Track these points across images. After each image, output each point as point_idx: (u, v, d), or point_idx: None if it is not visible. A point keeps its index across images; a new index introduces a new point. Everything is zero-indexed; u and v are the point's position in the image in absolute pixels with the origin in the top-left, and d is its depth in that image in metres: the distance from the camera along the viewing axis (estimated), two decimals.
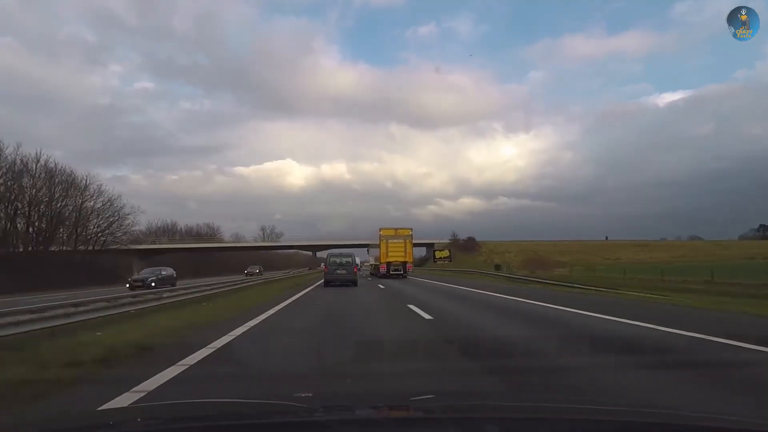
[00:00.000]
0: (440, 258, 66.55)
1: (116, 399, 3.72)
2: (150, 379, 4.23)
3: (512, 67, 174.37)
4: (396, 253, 31.92)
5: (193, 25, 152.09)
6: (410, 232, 33.18)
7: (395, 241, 32.21)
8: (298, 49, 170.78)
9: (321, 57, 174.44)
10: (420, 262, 68.38)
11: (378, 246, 33.62)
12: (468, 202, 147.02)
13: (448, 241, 73.99)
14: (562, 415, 1.65)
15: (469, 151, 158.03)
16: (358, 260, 54.01)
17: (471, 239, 77.20)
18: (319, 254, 73.61)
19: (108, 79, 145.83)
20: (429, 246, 72.82)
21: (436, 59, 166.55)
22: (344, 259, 23.52)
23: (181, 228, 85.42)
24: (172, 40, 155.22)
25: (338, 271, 22.85)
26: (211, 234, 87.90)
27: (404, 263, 31.99)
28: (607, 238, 79.39)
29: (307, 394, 2.16)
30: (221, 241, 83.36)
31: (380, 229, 33.44)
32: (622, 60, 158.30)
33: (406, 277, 31.35)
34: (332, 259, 23.63)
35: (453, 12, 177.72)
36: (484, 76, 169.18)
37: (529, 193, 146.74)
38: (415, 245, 63.49)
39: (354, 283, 22.25)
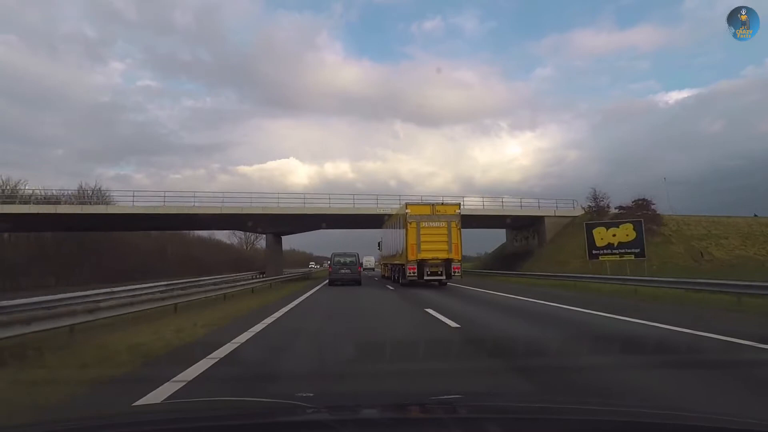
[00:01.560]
0: (609, 247, 22.53)
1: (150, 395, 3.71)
2: None
3: (519, 63, 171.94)
4: (434, 245, 20.27)
5: (194, 20, 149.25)
6: (458, 211, 21.01)
7: (433, 224, 20.48)
8: (301, 44, 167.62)
9: (325, 53, 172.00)
10: (492, 260, 42.18)
11: (401, 229, 21.47)
12: (473, 202, 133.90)
13: (584, 211, 35.87)
14: (563, 415, 1.66)
15: (474, 150, 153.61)
16: (373, 260, 51.91)
17: (644, 203, 32.73)
18: (288, 241, 52.18)
19: (109, 77, 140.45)
20: (524, 226, 37.73)
21: (441, 55, 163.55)
22: (348, 259, 24.40)
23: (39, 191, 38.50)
24: (174, 36, 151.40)
25: (342, 271, 23.80)
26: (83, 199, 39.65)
27: (447, 261, 20.40)
28: (755, 215, 52.72)
29: (308, 394, 2.14)
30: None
31: (406, 206, 21.12)
32: (630, 57, 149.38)
33: (446, 284, 20.62)
34: (336, 259, 24.44)
35: (459, 7, 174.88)
36: (490, 73, 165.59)
37: (533, 192, 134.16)
38: (493, 219, 35.62)
39: (358, 282, 22.95)
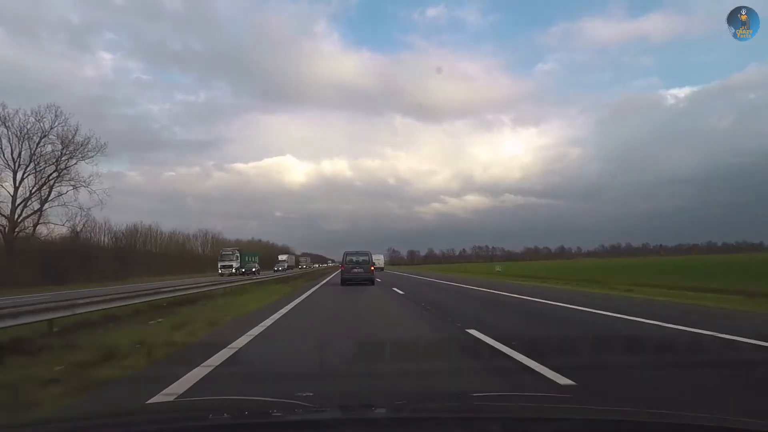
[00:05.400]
0: None
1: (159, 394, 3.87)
2: None
3: (524, 55, 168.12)
4: None
5: (183, 4, 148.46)
6: None
7: None
8: (298, 33, 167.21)
9: (322, 42, 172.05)
10: None
11: None
12: (473, 200, 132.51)
13: None
14: (564, 415, 1.65)
15: (475, 147, 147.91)
16: (382, 258, 50.01)
17: None
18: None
19: (97, 67, 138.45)
20: None
21: (443, 45, 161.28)
22: (361, 258, 23.71)
23: None
24: (163, 23, 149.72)
25: (355, 270, 23.02)
26: None
27: None
28: None
29: (308, 394, 2.13)
30: None
31: None
32: (636, 51, 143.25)
33: None
34: (349, 258, 23.62)
35: None
36: (494, 65, 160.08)
37: (535, 191, 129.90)
38: None
39: (371, 282, 22.23)
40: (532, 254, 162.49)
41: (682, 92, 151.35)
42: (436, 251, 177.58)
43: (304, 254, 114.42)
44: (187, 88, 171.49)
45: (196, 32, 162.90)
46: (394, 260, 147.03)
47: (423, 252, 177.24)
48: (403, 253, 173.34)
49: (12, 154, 38.22)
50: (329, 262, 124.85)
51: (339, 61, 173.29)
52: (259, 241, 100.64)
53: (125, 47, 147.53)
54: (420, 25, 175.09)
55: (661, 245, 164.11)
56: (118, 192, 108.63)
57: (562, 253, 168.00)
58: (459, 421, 1.45)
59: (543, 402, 2.21)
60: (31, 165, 38.53)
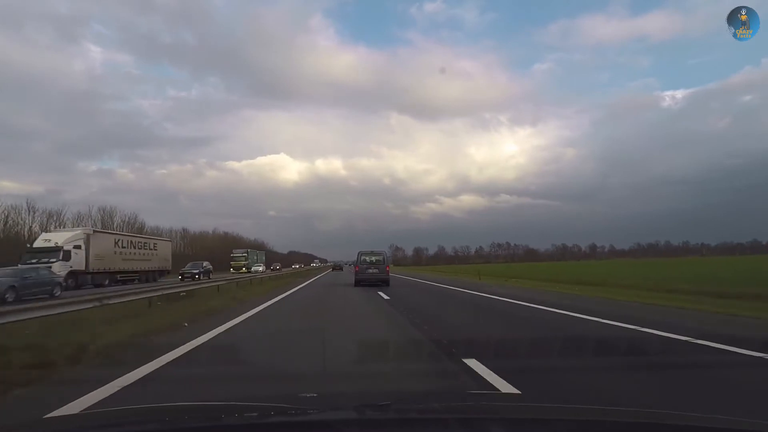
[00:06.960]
0: None
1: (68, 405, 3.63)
2: None
3: (522, 53, 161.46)
4: None
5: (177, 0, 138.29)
6: None
7: None
8: (292, 27, 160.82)
9: (318, 37, 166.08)
10: None
11: None
12: (469, 200, 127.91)
13: None
14: (565, 416, 1.66)
15: (471, 147, 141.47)
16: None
17: None
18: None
19: (86, 60, 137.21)
20: None
21: (442, 41, 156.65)
22: (375, 258, 22.96)
23: None
24: (154, 14, 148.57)
25: (369, 270, 22.32)
26: None
27: None
28: None
29: (311, 395, 2.16)
30: None
31: None
32: (633, 53, 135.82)
33: None
34: (363, 258, 22.88)
35: None
36: (492, 62, 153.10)
37: (529, 191, 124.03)
38: None
39: (386, 283, 21.52)
40: (560, 254, 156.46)
41: (679, 93, 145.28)
42: (447, 249, 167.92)
43: (284, 253, 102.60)
44: (179, 83, 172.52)
45: (188, 26, 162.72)
46: (397, 260, 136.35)
47: (432, 250, 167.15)
48: (408, 251, 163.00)
49: None
50: (316, 262, 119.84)
51: (334, 56, 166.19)
52: (224, 233, 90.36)
53: (114, 39, 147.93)
54: (418, 21, 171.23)
55: (702, 243, 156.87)
56: (109, 190, 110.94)
57: (594, 252, 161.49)
58: (461, 422, 1.46)
59: (544, 402, 2.27)
60: None
